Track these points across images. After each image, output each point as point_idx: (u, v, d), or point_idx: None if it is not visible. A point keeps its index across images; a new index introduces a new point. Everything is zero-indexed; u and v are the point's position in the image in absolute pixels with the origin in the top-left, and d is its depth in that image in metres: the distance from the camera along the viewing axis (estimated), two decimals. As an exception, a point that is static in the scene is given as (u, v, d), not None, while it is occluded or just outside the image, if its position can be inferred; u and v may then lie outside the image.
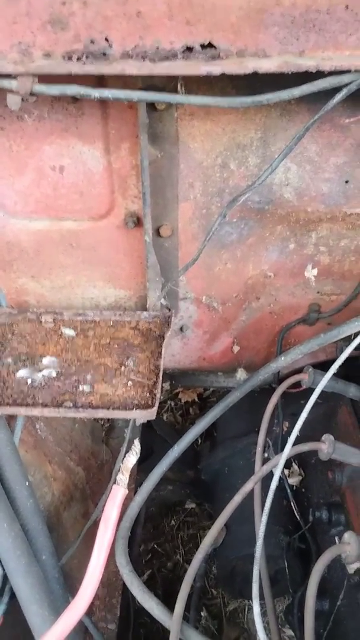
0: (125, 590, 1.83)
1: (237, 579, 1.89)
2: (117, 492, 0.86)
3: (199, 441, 2.71)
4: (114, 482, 0.89)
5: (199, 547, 2.83)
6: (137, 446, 0.91)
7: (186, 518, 2.89)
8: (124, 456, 1.16)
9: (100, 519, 1.70)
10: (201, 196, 1.40)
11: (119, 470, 1.67)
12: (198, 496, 2.59)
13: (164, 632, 2.38)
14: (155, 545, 2.78)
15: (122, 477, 0.87)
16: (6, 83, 1.04)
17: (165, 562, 2.75)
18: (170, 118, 1.25)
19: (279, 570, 1.79)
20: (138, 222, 1.43)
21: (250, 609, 2.59)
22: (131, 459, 0.89)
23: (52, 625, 0.81)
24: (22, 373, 1.32)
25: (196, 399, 3.25)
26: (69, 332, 1.45)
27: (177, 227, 1.43)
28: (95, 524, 1.78)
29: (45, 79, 1.04)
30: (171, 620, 1.18)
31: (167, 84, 1.15)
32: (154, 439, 2.29)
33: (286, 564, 1.77)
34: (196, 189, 1.39)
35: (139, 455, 0.92)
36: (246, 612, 2.62)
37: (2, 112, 1.25)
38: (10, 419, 1.43)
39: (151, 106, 1.22)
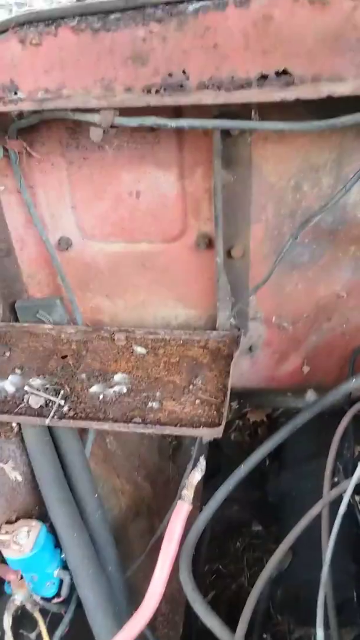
0: (188, 608, 1.83)
1: (302, 605, 1.84)
2: (182, 508, 0.88)
3: (267, 462, 2.67)
4: (179, 498, 0.91)
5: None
6: (202, 463, 0.92)
7: (252, 540, 2.84)
8: (190, 473, 1.17)
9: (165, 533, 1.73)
10: (273, 217, 1.41)
11: (184, 487, 1.70)
12: (264, 518, 2.55)
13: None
14: (220, 566, 2.75)
15: (187, 493, 0.89)
16: (90, 117, 1.11)
17: (229, 584, 2.71)
18: (243, 143, 1.28)
19: (347, 599, 1.73)
20: (210, 243, 1.47)
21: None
22: (196, 475, 0.91)
23: (115, 635, 0.83)
24: (95, 389, 1.38)
25: (265, 419, 3.21)
26: (140, 349, 1.49)
27: (249, 247, 1.45)
28: (161, 539, 1.81)
29: (126, 111, 1.10)
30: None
31: (242, 110, 1.17)
32: (220, 458, 2.28)
33: (355, 593, 1.70)
34: (268, 210, 1.40)
35: (204, 472, 0.94)
36: (312, 642, 2.53)
37: (85, 143, 1.33)
38: (82, 432, 1.49)
39: (225, 133, 1.25)
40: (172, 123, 1.09)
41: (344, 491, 1.30)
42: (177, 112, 1.20)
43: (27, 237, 1.55)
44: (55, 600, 1.30)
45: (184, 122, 1.10)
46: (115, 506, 1.66)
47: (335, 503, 1.34)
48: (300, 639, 2.57)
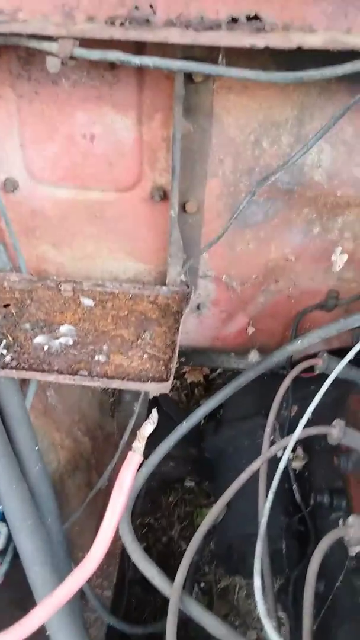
0: (122, 559, 1.87)
1: (234, 557, 1.92)
2: (133, 459, 0.87)
3: (202, 421, 2.73)
4: (130, 450, 0.90)
5: (194, 524, 2.86)
6: (154, 416, 0.91)
7: (184, 495, 2.92)
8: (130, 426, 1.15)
9: (104, 488, 1.73)
10: (230, 173, 1.39)
11: (125, 442, 1.70)
12: (199, 474, 2.62)
13: (156, 603, 2.43)
14: (152, 520, 2.82)
15: (139, 445, 0.89)
16: (47, 45, 1.03)
17: (160, 537, 2.79)
18: (206, 91, 1.24)
19: (276, 550, 1.82)
20: (164, 196, 1.42)
21: (241, 587, 2.64)
22: (148, 427, 0.90)
23: (62, 584, 0.82)
24: (39, 339, 1.33)
25: (202, 380, 3.26)
26: (87, 302, 1.45)
27: (203, 203, 1.42)
28: (98, 494, 1.81)
29: (86, 43, 1.03)
30: (171, 589, 1.20)
31: (207, 56, 1.13)
32: (159, 415, 2.30)
33: (284, 544, 1.79)
34: (226, 165, 1.37)
35: (155, 425, 0.93)
36: (237, 591, 2.66)
37: (38, 76, 1.24)
38: (23, 384, 1.44)
39: (188, 78, 1.20)
40: (137, 60, 1.03)
41: (284, 447, 1.34)
42: (140, 52, 1.14)
43: (-31, 174, 1.44)
44: (-8, 551, 1.27)
45: (148, 61, 1.04)
46: (54, 460, 1.64)
47: (270, 461, 1.39)
48: (226, 588, 2.71)
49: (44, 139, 1.34)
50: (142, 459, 0.87)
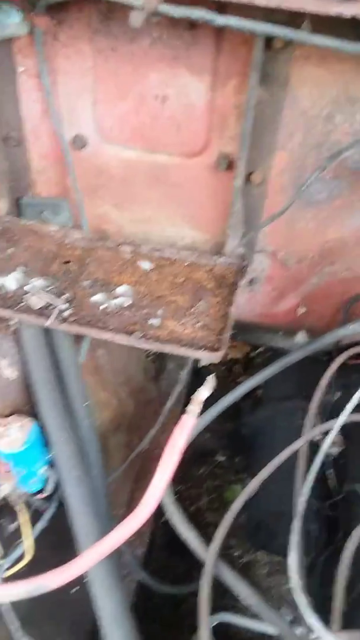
0: (155, 520, 1.91)
1: (262, 533, 1.93)
2: (187, 421, 0.88)
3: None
4: (185, 412, 0.91)
5: (222, 498, 2.88)
6: (211, 381, 0.92)
7: (215, 469, 2.95)
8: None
9: (144, 450, 1.76)
10: (299, 147, 1.36)
11: (169, 409, 1.72)
12: (232, 449, 2.63)
13: (178, 569, 2.47)
14: (182, 489, 2.86)
15: (194, 408, 0.89)
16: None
17: (188, 506, 2.84)
18: (284, 59, 1.21)
19: (306, 531, 1.82)
20: (229, 165, 1.41)
21: (264, 564, 2.66)
22: (204, 392, 0.91)
23: (109, 533, 0.85)
24: (97, 298, 1.35)
25: (242, 358, 3.26)
26: (145, 265, 1.46)
27: (269, 175, 1.40)
28: (135, 457, 1.85)
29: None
30: (207, 553, 1.23)
31: (288, 22, 1.09)
32: (197, 388, 2.32)
33: (314, 527, 1.79)
34: (295, 138, 1.34)
35: (212, 391, 0.94)
36: (257, 568, 2.69)
37: (117, 32, 1.23)
38: (76, 341, 1.47)
39: (267, 45, 1.17)
40: (220, 19, 1.01)
41: (327, 431, 1.34)
42: (220, 13, 1.11)
43: (40, 130, 1.45)
44: (39, 496, 1.32)
45: (232, 21, 1.02)
46: (98, 418, 1.68)
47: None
48: (248, 564, 2.74)
49: (116, 97, 1.34)
50: (195, 422, 0.88)
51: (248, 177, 1.39)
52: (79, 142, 1.43)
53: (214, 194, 1.48)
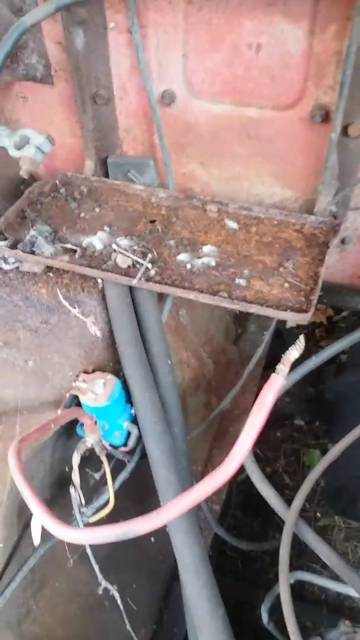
0: (232, 478, 1.94)
1: (343, 497, 1.92)
2: (276, 380, 0.87)
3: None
4: (274, 372, 0.89)
5: (300, 462, 2.86)
6: (301, 342, 0.89)
7: (293, 433, 2.93)
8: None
9: (223, 411, 1.76)
10: None
11: (250, 370, 1.71)
12: (312, 413, 2.60)
13: (253, 527, 2.50)
14: (258, 450, 2.88)
15: (283, 368, 0.87)
16: None
17: (264, 467, 2.86)
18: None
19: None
20: (326, 117, 1.33)
21: (340, 529, 2.65)
22: (294, 352, 0.88)
23: (195, 486, 0.87)
24: (182, 257, 1.34)
25: (324, 322, 3.17)
26: (232, 224, 1.43)
27: (368, 127, 1.31)
28: (217, 416, 1.87)
29: None
30: (288, 512, 1.23)
31: None
32: (281, 351, 2.29)
33: None
34: None
35: (301, 352, 0.92)
36: (336, 531, 2.68)
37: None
38: (160, 300, 1.48)
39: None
40: None
41: None
42: None
43: (129, 86, 1.43)
44: (122, 449, 1.38)
45: None
46: (179, 377, 1.70)
47: None
48: (325, 527, 2.74)
49: (208, 48, 1.29)
50: (284, 381, 0.86)
51: (345, 130, 1.30)
52: (168, 98, 1.40)
53: (307, 149, 1.41)
